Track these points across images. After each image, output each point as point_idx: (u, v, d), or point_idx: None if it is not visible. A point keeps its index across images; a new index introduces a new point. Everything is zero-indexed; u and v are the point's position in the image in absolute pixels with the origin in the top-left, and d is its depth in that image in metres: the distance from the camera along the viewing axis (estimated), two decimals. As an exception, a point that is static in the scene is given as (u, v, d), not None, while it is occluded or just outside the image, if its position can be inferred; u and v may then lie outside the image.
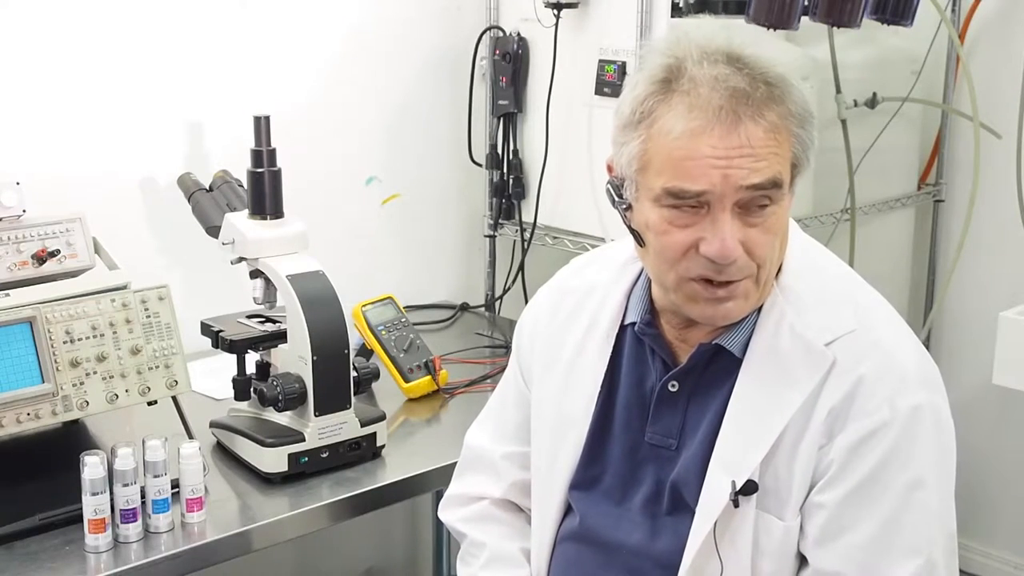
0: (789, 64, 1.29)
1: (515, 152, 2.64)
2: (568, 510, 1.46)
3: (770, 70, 1.25)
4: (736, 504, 1.28)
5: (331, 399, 1.74)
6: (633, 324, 1.42)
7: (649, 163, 1.26)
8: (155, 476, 1.55)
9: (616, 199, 1.33)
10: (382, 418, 1.83)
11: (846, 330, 1.30)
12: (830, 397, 1.27)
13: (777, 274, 1.34)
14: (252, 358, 1.83)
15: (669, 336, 1.39)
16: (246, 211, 1.83)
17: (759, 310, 1.33)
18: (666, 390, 1.38)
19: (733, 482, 1.28)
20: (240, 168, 1.87)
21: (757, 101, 1.23)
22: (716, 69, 1.23)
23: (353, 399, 1.78)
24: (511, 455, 1.55)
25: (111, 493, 1.51)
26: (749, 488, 1.28)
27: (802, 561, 1.31)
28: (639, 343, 1.42)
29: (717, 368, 1.35)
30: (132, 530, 1.54)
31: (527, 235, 2.61)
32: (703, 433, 1.34)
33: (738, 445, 1.30)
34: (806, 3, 2.37)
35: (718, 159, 1.22)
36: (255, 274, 1.82)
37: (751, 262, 1.26)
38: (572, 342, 1.46)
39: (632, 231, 1.32)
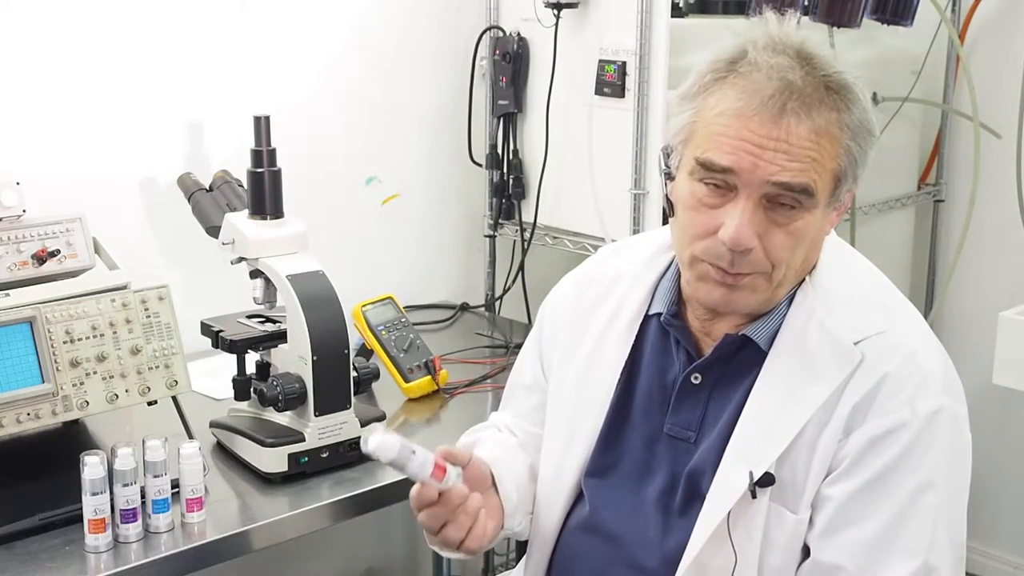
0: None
1: (515, 152, 2.64)
2: (577, 500, 1.46)
3: (836, 76, 1.25)
4: (754, 495, 1.28)
5: (331, 399, 1.74)
6: (658, 314, 1.43)
7: (692, 136, 1.29)
8: (155, 476, 1.55)
9: (663, 167, 1.35)
10: (382, 418, 1.83)
11: (876, 331, 1.30)
12: (854, 393, 1.28)
13: (811, 270, 1.35)
14: (252, 358, 1.83)
15: (694, 328, 1.40)
16: (246, 211, 1.83)
17: (789, 303, 1.34)
18: (689, 382, 1.38)
19: (751, 473, 1.28)
20: (240, 168, 1.86)
21: (808, 99, 1.23)
22: (777, 59, 1.24)
23: (353, 399, 1.78)
24: (529, 433, 1.57)
25: (111, 493, 1.51)
26: (766, 480, 1.29)
27: (805, 553, 1.31)
28: (663, 334, 1.42)
29: (741, 360, 1.35)
30: (132, 530, 1.53)
31: (527, 235, 2.61)
32: (723, 425, 1.34)
33: (757, 437, 1.31)
34: (806, 3, 2.38)
35: (752, 145, 1.23)
36: (255, 274, 1.82)
37: (766, 260, 1.27)
38: (595, 329, 1.47)
39: (668, 200, 1.35)
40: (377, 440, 1.26)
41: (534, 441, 1.54)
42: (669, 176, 1.34)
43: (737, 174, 1.24)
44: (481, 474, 1.42)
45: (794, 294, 1.35)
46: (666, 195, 1.35)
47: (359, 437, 1.77)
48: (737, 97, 1.24)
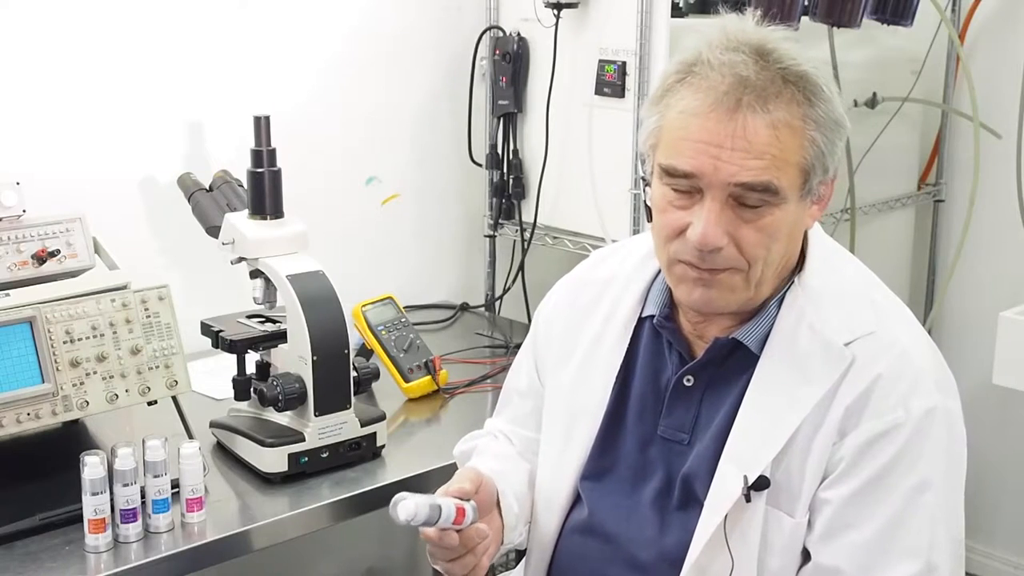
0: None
1: (515, 152, 2.64)
2: (575, 502, 1.46)
3: (793, 67, 1.24)
4: (748, 499, 1.28)
5: (331, 399, 1.74)
6: (651, 317, 1.43)
7: (659, 141, 1.29)
8: (155, 476, 1.55)
9: (640, 174, 1.38)
10: (382, 418, 1.83)
11: (866, 331, 1.30)
12: (847, 395, 1.28)
13: (799, 271, 1.35)
14: (252, 358, 1.83)
15: (686, 330, 1.40)
16: (246, 211, 1.83)
17: (779, 306, 1.34)
18: (681, 384, 1.38)
19: (745, 477, 1.28)
20: (240, 168, 1.87)
21: (763, 93, 1.22)
22: (731, 56, 1.24)
23: (353, 399, 1.78)
24: (525, 438, 1.57)
25: (111, 493, 1.51)
26: (761, 484, 1.28)
27: (805, 556, 1.31)
28: (656, 336, 1.42)
29: (733, 363, 1.35)
30: (132, 530, 1.54)
31: (527, 235, 2.61)
32: (716, 428, 1.34)
33: (751, 440, 1.31)
34: (806, 3, 2.38)
35: (710, 145, 1.23)
36: (255, 274, 1.82)
37: (740, 256, 1.27)
38: (590, 333, 1.47)
39: (646, 206, 1.36)
40: (407, 511, 1.28)
41: (531, 447, 1.54)
42: (646, 182, 1.35)
43: (700, 177, 1.24)
44: (489, 495, 1.42)
45: (783, 296, 1.35)
46: (644, 201, 1.36)
47: (359, 437, 1.78)
48: (693, 97, 1.25)
